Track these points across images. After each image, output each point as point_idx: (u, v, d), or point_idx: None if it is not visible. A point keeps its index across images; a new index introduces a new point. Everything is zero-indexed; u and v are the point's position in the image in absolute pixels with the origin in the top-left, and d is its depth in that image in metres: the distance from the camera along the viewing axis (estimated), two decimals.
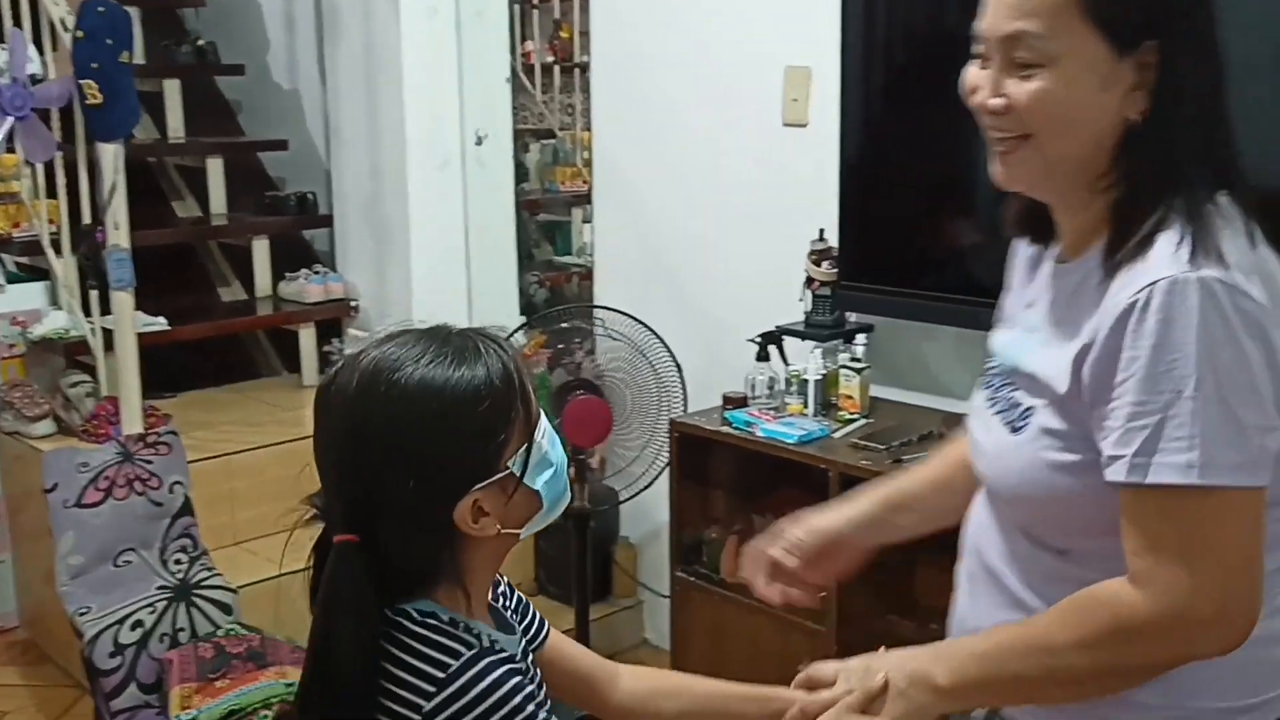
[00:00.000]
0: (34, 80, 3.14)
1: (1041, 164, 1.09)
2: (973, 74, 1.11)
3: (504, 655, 1.11)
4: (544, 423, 1.15)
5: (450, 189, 3.69)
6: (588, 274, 3.71)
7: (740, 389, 2.71)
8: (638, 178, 3.26)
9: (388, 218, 3.71)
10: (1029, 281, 1.23)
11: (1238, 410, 0.99)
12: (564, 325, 2.92)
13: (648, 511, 3.27)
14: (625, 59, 3.24)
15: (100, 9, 2.84)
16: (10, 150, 3.24)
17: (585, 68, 4.40)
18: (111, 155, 2.91)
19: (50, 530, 2.76)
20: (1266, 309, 1.01)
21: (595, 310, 2.93)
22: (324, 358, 3.86)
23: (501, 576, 1.27)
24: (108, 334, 3.10)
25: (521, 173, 4.38)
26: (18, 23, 3.27)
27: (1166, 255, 1.01)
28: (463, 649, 1.08)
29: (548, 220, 4.80)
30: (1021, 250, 1.26)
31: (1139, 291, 1.00)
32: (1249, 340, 0.99)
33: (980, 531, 1.25)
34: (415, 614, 1.10)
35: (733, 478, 2.76)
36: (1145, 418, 1.00)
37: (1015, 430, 1.14)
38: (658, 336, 2.82)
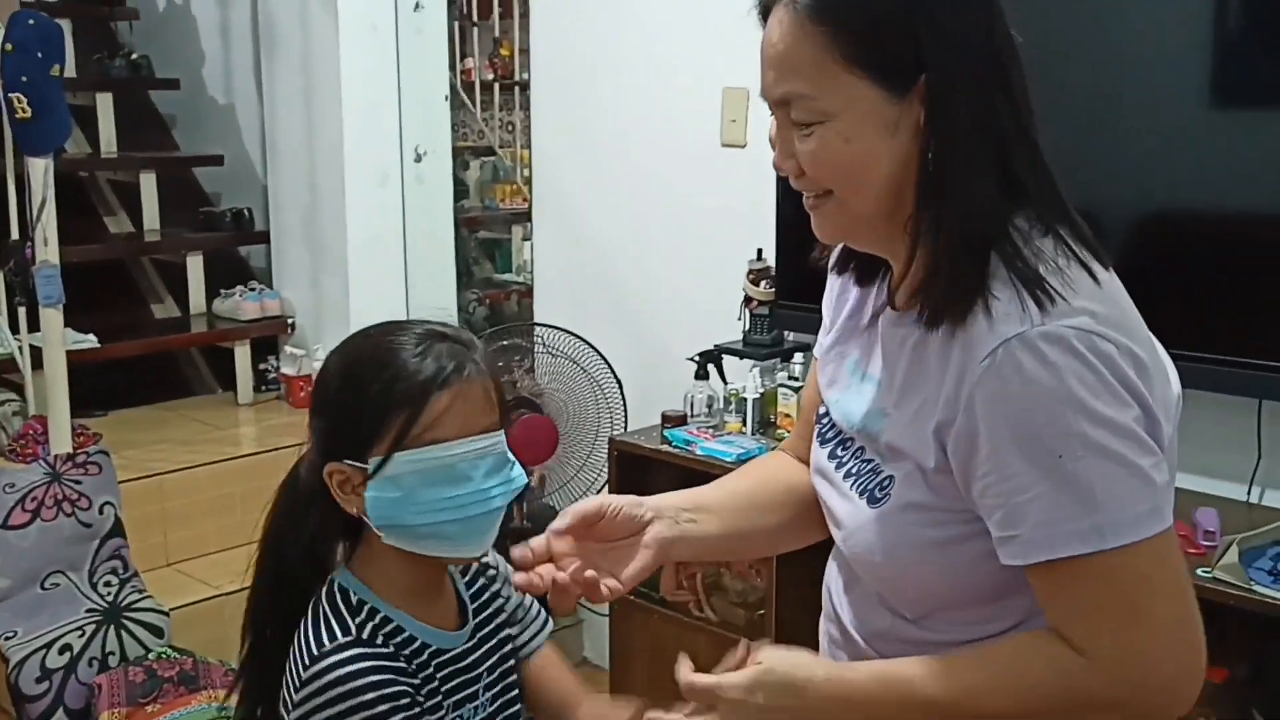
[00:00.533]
0: None
1: (846, 217, 1.03)
2: (771, 134, 1.06)
3: (374, 651, 1.13)
4: (439, 453, 1.11)
5: (389, 205, 3.67)
6: (527, 291, 3.72)
7: (679, 407, 2.73)
8: (578, 196, 3.27)
9: (325, 234, 3.68)
10: (852, 326, 1.16)
11: (1127, 456, 0.93)
12: (504, 343, 2.92)
13: None
14: (565, 77, 3.25)
15: (30, 21, 2.79)
16: None
17: (525, 85, 4.41)
18: (41, 170, 2.86)
19: None
20: (1127, 347, 0.95)
21: (535, 328, 2.93)
22: (259, 375, 3.82)
23: (500, 567, 1.30)
24: (36, 351, 3.04)
25: (461, 190, 4.38)
26: None
27: (1007, 310, 0.95)
28: (339, 634, 1.14)
29: (487, 238, 4.80)
30: (835, 284, 1.20)
31: (988, 355, 0.94)
32: (1117, 381, 0.93)
33: (837, 598, 1.20)
34: (336, 584, 1.18)
35: None
36: (1028, 490, 0.93)
37: (874, 502, 1.06)
38: (598, 352, 2.83)
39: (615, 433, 2.82)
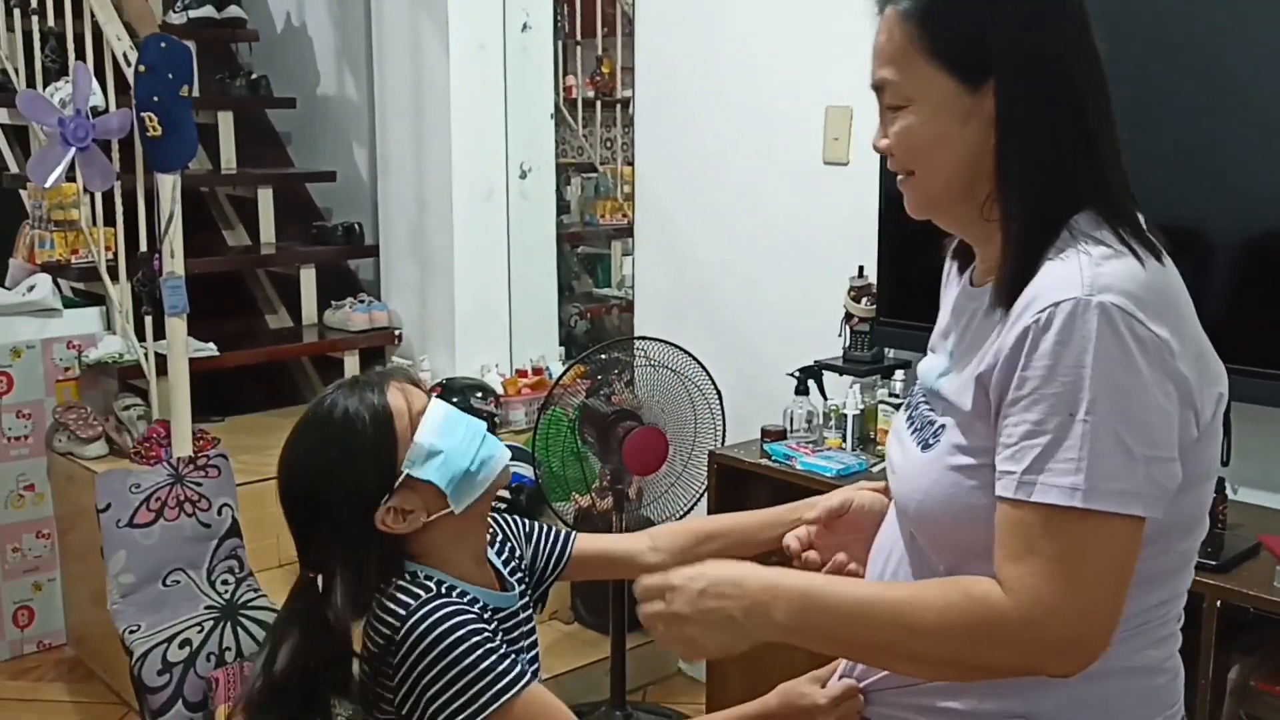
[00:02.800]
0: (95, 112, 3.25)
1: (924, 196, 1.16)
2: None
3: (459, 602, 1.25)
4: (431, 415, 1.28)
5: (494, 221, 3.76)
6: (627, 306, 3.76)
7: (778, 422, 2.74)
8: (679, 212, 3.32)
9: (432, 248, 3.78)
10: (950, 305, 1.26)
11: (1127, 437, 0.99)
12: (603, 357, 2.97)
13: None
14: (668, 96, 3.30)
15: (162, 45, 2.94)
16: (70, 179, 3.34)
17: (626, 103, 4.48)
18: (170, 186, 3.00)
19: (99, 550, 2.83)
20: (1166, 342, 1.01)
21: (636, 341, 2.98)
22: None
23: (506, 528, 1.45)
24: (160, 359, 3.18)
25: (562, 205, 4.45)
26: (81, 57, 3.38)
27: (1066, 279, 1.02)
28: (420, 594, 1.25)
29: (588, 253, 4.86)
30: (949, 270, 1.29)
31: (1039, 312, 1.02)
32: (1148, 369, 1.00)
33: (881, 548, 1.28)
34: (420, 574, 1.29)
35: None
36: (1036, 437, 1.01)
37: (926, 447, 1.16)
38: (700, 364, 2.86)
39: (714, 446, 2.85)
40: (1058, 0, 1.08)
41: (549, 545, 1.49)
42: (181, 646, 2.66)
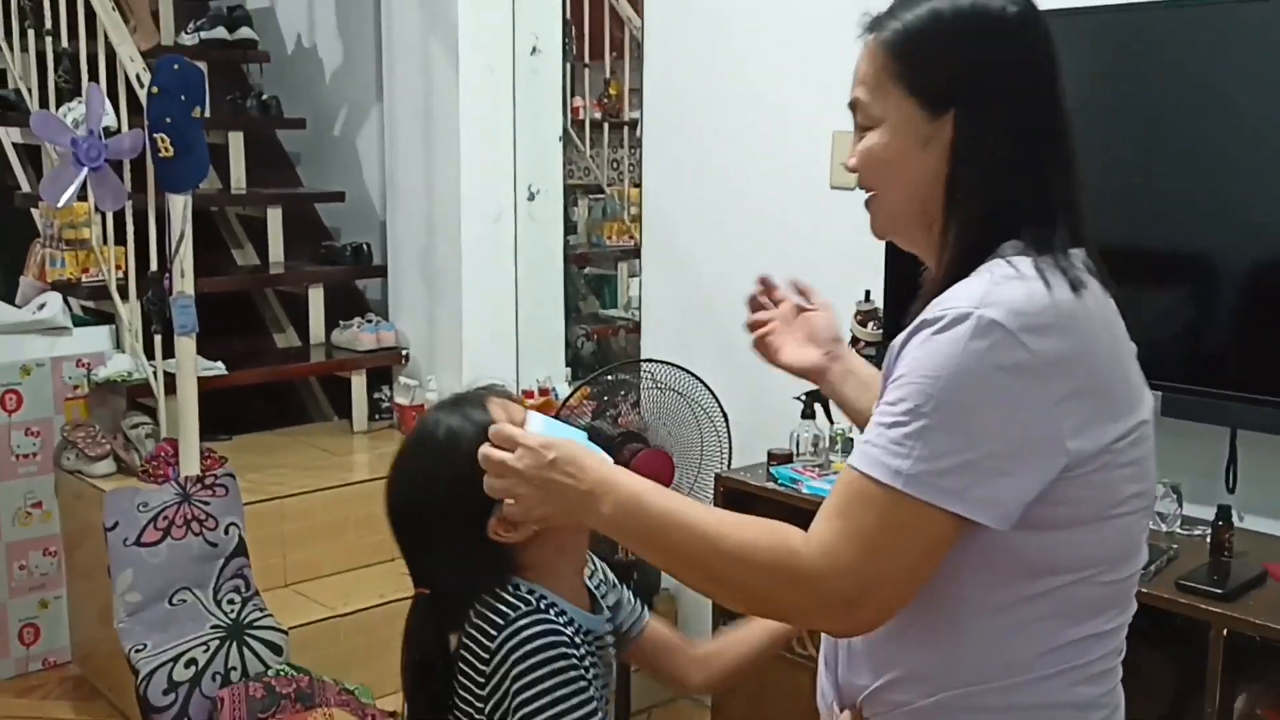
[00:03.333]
0: (108, 132, 3.27)
1: (885, 216, 1.22)
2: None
3: (555, 621, 1.28)
4: (532, 425, 1.29)
5: (502, 242, 3.78)
6: (634, 327, 3.77)
7: (784, 445, 2.75)
8: (686, 235, 3.33)
9: (440, 269, 3.80)
10: None
11: (963, 441, 1.03)
12: (609, 379, 2.98)
13: None
14: (676, 118, 3.32)
15: (175, 66, 2.97)
16: (82, 199, 3.36)
17: (633, 124, 4.50)
18: (180, 206, 3.02)
19: (106, 568, 2.83)
20: (1048, 364, 1.04)
21: (643, 363, 2.99)
22: (374, 404, 3.95)
23: (597, 565, 1.48)
24: (169, 377, 3.19)
25: (569, 227, 4.47)
26: (95, 78, 3.41)
27: (968, 293, 1.07)
28: (520, 607, 1.28)
29: (595, 274, 4.88)
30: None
31: (934, 316, 1.07)
32: (1009, 382, 1.03)
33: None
34: (521, 588, 1.32)
35: None
36: (887, 417, 1.07)
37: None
38: (706, 387, 2.87)
39: (719, 469, 2.85)
40: (1025, 44, 1.14)
41: (632, 606, 1.54)
42: (187, 666, 2.67)
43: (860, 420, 1.46)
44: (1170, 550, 2.13)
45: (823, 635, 1.31)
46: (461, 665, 1.31)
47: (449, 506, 1.30)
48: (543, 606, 1.30)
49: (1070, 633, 1.12)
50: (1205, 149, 2.16)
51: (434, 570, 1.34)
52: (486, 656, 1.27)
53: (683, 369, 2.88)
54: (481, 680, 1.27)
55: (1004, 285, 1.06)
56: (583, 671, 1.27)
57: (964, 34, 1.15)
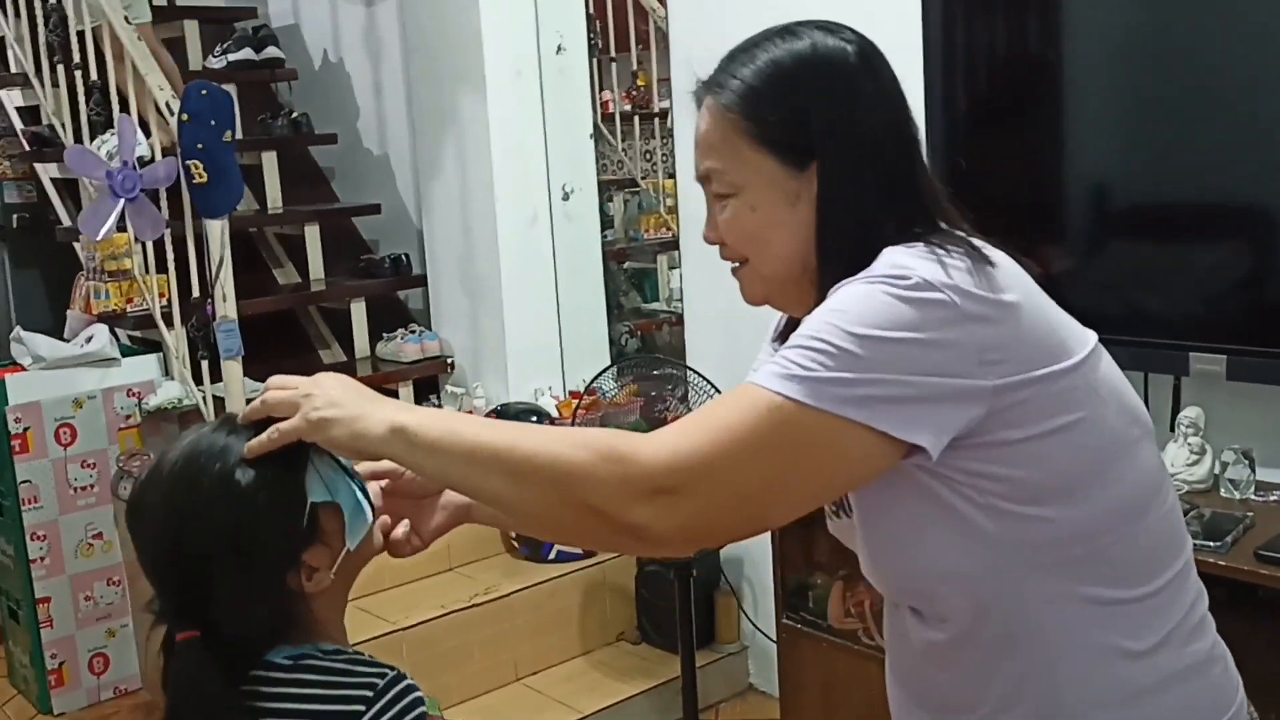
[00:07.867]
0: (142, 162, 3.29)
1: (761, 282, 1.16)
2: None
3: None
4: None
5: (540, 244, 3.76)
6: (678, 320, 3.74)
7: None
8: None
9: (480, 275, 3.79)
10: None
11: (866, 364, 0.97)
12: (656, 373, 2.95)
13: (750, 557, 3.27)
14: None
15: (203, 92, 2.97)
16: (121, 230, 3.38)
17: (664, 114, 4.45)
18: (218, 230, 3.03)
19: None
20: (956, 301, 0.99)
21: (669, 365, 2.94)
22: None
23: None
24: (218, 401, 3.21)
25: (606, 222, 4.44)
26: (125, 108, 3.43)
27: (865, 272, 1.04)
28: (386, 670, 1.13)
29: (634, 268, 4.84)
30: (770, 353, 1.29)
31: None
32: (911, 324, 0.98)
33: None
34: (313, 653, 1.14)
35: None
36: (791, 346, 1.00)
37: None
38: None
39: None
40: (872, 81, 1.10)
41: None
42: None
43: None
44: (1245, 519, 2.06)
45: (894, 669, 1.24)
46: None
47: (247, 544, 1.11)
48: (400, 671, 1.15)
49: (1139, 590, 1.07)
50: (1263, 98, 2.08)
51: (211, 611, 1.12)
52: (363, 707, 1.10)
53: (712, 383, 2.78)
54: None
55: (903, 256, 1.03)
56: None
57: (811, 81, 1.09)
